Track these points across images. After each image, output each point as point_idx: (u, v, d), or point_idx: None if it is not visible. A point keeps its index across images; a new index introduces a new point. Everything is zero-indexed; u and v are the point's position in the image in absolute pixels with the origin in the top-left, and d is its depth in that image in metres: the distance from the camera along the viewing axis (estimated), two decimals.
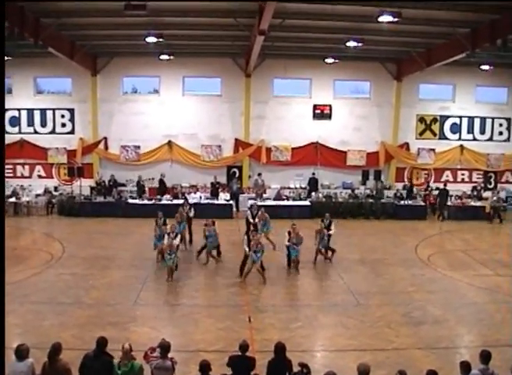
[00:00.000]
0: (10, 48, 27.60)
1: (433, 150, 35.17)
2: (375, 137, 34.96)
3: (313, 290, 18.06)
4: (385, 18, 20.99)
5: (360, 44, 26.50)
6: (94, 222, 28.62)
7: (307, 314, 15.60)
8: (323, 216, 29.14)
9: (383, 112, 34.87)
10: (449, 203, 32.14)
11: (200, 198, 31.05)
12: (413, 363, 12.11)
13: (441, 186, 33.34)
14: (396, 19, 20.95)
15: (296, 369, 9.31)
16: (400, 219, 30.42)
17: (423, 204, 32.44)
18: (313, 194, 32.42)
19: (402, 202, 31.98)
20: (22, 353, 9.18)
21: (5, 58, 28.72)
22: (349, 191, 33.16)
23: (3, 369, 8.91)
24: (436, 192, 33.12)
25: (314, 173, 33.89)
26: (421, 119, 35.32)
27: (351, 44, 26.47)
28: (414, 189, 34.32)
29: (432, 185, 34.63)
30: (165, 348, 9.51)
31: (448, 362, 12.03)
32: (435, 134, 35.46)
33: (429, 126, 35.40)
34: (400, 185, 34.83)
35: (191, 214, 23.81)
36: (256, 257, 18.20)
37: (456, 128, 35.43)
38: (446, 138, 35.45)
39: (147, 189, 33.02)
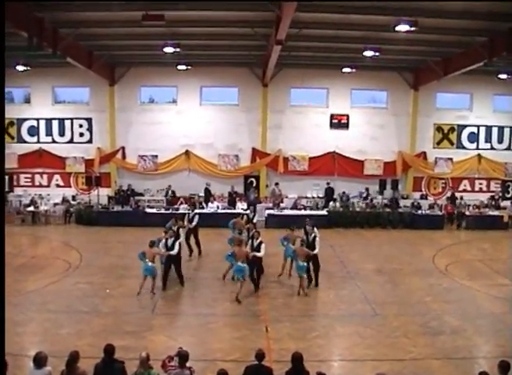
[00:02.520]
0: (29, 58, 27.91)
1: (451, 159, 35.03)
2: (392, 147, 34.89)
3: (330, 300, 17.93)
4: (402, 27, 21.04)
5: (377, 54, 26.55)
6: (112, 231, 28.77)
7: (324, 324, 15.55)
8: (340, 225, 29.14)
9: (400, 122, 34.80)
10: (467, 212, 32.03)
11: (218, 207, 31.11)
12: (430, 374, 12.07)
13: (459, 195, 33.73)
14: (412, 29, 20.99)
15: None
16: (417, 229, 30.33)
17: (440, 213, 32.30)
18: (330, 203, 32.40)
19: (419, 212, 31.90)
20: (40, 361, 9.23)
21: (24, 68, 29.07)
22: (366, 201, 33.08)
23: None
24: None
25: (328, 183, 33.89)
26: (439, 129, 35.20)
27: (368, 53, 26.51)
28: (430, 198, 34.50)
29: (448, 194, 34.71)
30: (183, 357, 9.50)
31: (466, 373, 12.00)
32: (452, 143, 35.32)
33: (447, 135, 35.27)
34: (417, 195, 34.80)
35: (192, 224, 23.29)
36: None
37: (473, 137, 35.26)
38: (464, 147, 35.29)
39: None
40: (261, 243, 18.36)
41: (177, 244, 18.69)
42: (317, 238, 19.11)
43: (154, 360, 9.74)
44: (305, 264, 18.13)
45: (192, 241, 23.32)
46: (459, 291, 19.09)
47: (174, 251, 18.44)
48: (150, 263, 17.84)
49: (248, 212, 26.07)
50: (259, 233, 19.04)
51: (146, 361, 9.32)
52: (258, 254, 18.13)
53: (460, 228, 31.72)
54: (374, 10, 21.57)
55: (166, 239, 18.66)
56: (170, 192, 33.55)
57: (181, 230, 21.13)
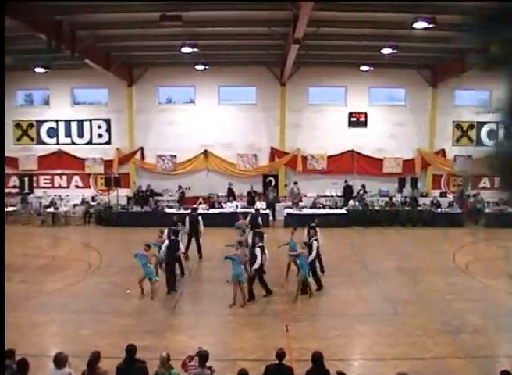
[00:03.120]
0: (48, 60, 28.09)
1: (470, 157, 34.77)
2: (411, 145, 34.69)
3: (350, 298, 17.86)
4: (420, 24, 20.95)
5: (395, 51, 26.44)
6: (131, 231, 28.75)
7: (345, 323, 15.50)
8: (360, 223, 28.87)
9: (419, 119, 34.62)
10: (486, 210, 31.78)
11: (237, 206, 31.16)
12: (451, 373, 12.01)
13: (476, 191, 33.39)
14: (430, 25, 20.88)
15: None
16: (437, 227, 30.11)
17: (460, 211, 32.05)
18: (350, 202, 32.31)
19: (439, 210, 31.73)
20: (60, 361, 9.28)
21: (43, 70, 29.29)
22: (386, 199, 32.95)
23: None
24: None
25: (346, 181, 33.86)
26: (458, 126, 34.97)
27: (386, 51, 26.44)
28: (449, 196, 34.32)
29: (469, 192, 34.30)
30: (203, 356, 9.53)
31: (487, 372, 11.90)
32: (471, 141, 35.07)
33: (466, 132, 35.02)
34: (436, 192, 34.61)
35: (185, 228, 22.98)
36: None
37: (492, 134, 34.94)
38: (483, 144, 34.94)
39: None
40: (262, 248, 17.81)
41: (181, 245, 19.20)
42: (314, 242, 18.64)
43: (175, 360, 9.79)
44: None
45: (199, 243, 23.30)
46: (480, 289, 18.93)
47: (178, 252, 18.84)
48: (151, 266, 17.94)
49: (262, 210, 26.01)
50: (262, 236, 18.90)
51: (166, 361, 9.37)
52: (256, 265, 17.38)
53: (478, 225, 31.27)
54: (391, 8, 21.47)
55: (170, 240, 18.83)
56: (180, 192, 33.51)
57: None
